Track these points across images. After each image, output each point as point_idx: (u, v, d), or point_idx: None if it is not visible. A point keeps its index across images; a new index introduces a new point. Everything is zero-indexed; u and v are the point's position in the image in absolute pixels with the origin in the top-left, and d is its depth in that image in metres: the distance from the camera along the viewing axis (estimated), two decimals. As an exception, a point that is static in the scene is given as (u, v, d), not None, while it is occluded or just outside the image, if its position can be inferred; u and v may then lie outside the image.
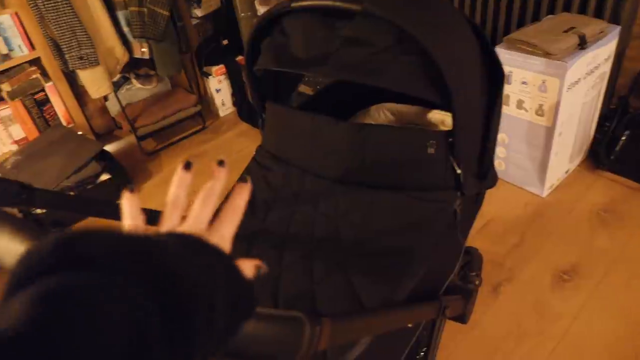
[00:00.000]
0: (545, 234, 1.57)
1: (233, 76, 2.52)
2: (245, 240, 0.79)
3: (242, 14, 2.15)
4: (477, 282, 1.18)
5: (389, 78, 0.67)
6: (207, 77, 2.52)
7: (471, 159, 0.76)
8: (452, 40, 0.70)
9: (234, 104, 2.64)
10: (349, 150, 0.78)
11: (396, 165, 0.76)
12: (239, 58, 2.50)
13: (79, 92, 2.42)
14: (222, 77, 2.53)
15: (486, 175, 0.80)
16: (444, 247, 0.76)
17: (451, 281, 0.90)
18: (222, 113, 2.64)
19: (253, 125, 2.48)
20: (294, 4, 0.71)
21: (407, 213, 0.74)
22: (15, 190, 0.61)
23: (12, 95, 2.19)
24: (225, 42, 2.52)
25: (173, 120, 2.39)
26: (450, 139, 0.73)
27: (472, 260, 1.19)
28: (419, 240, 0.71)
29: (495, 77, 0.79)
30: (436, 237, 0.72)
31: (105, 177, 2.04)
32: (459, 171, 0.74)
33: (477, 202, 0.88)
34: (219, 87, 2.55)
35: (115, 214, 0.72)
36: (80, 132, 2.25)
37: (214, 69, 2.49)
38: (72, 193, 1.96)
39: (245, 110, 2.55)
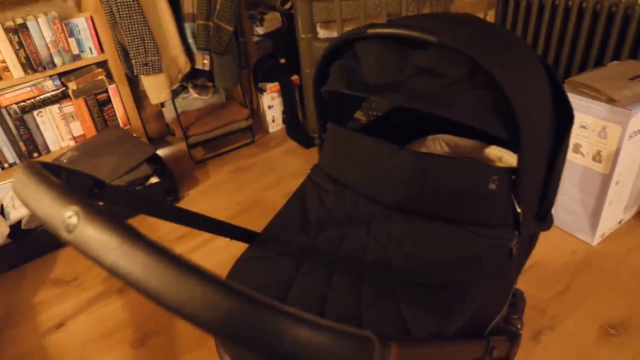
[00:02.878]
0: (593, 285, 1.51)
1: (286, 94, 2.57)
2: (294, 258, 0.80)
3: (303, 35, 2.21)
4: (519, 326, 1.14)
5: (459, 110, 0.67)
6: (262, 93, 2.59)
7: (532, 199, 0.75)
8: (525, 76, 0.70)
9: (284, 121, 2.69)
10: (407, 177, 0.79)
11: (455, 198, 0.75)
12: (294, 77, 2.56)
13: (138, 96, 2.53)
14: (276, 94, 2.59)
15: (545, 217, 0.78)
16: (496, 286, 0.74)
17: (496, 321, 0.88)
18: (271, 129, 2.69)
19: (300, 144, 2.52)
20: (370, 31, 0.73)
21: (461, 247, 0.73)
22: (89, 184, 0.64)
23: (77, 94, 2.31)
24: (282, 60, 2.58)
25: (224, 132, 2.46)
26: (513, 177, 0.73)
27: (516, 302, 1.16)
28: (472, 276, 0.70)
29: (564, 118, 0.78)
30: (489, 274, 0.71)
31: (154, 180, 2.11)
32: (519, 210, 0.72)
33: (531, 242, 0.86)
34: (271, 103, 2.61)
35: (169, 215, 0.74)
36: (135, 135, 2.34)
37: (269, 85, 2.56)
38: (123, 191, 2.03)
39: (294, 129, 2.60)
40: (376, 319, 0.67)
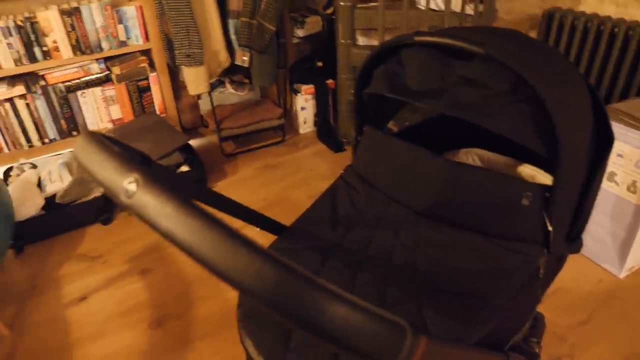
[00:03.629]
0: (617, 318, 1.47)
1: (320, 97, 2.60)
2: (321, 253, 0.81)
3: (342, 41, 2.23)
4: (537, 350, 1.13)
5: (499, 122, 0.68)
6: (296, 94, 2.62)
7: (565, 219, 0.75)
8: (568, 94, 0.70)
9: (315, 123, 2.72)
10: (440, 185, 0.79)
11: (486, 209, 0.76)
12: (329, 81, 2.59)
13: (177, 86, 2.60)
14: (309, 97, 2.62)
15: (576, 239, 0.78)
16: (520, 302, 0.74)
17: (515, 340, 0.87)
18: (302, 130, 2.72)
19: (329, 147, 2.54)
20: (417, 38, 0.75)
21: (488, 258, 0.73)
22: (138, 159, 0.67)
23: (120, 79, 2.39)
24: (319, 64, 2.61)
25: (256, 128, 2.50)
26: (547, 194, 0.73)
27: (537, 325, 1.14)
28: (497, 288, 0.70)
29: (603, 139, 0.78)
30: (515, 289, 0.71)
31: (185, 168, 2.16)
32: (550, 228, 0.72)
33: (559, 263, 0.85)
34: (304, 105, 2.64)
35: (205, 198, 0.77)
36: (170, 123, 2.40)
37: (304, 87, 2.59)
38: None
39: (325, 132, 2.62)
40: (398, 320, 0.68)
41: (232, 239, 0.33)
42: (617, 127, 1.49)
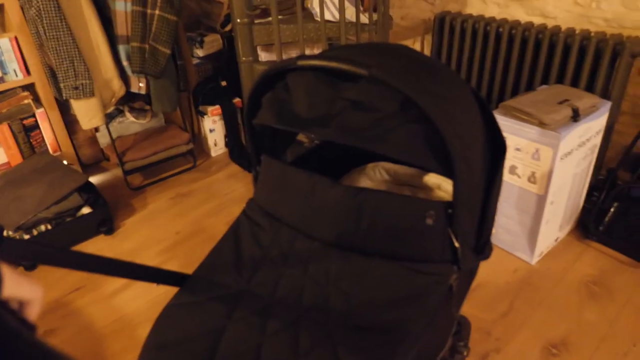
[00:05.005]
0: (534, 304, 1.54)
1: (228, 117, 2.51)
2: (227, 303, 0.74)
3: (244, 58, 2.16)
4: (465, 353, 1.13)
5: (391, 145, 0.65)
6: (202, 116, 2.51)
7: (470, 232, 0.74)
8: (456, 111, 0.69)
9: (226, 145, 2.62)
10: (344, 213, 0.76)
11: (392, 234, 0.73)
12: (236, 100, 2.51)
13: (69, 120, 2.39)
14: (217, 118, 2.52)
15: (483, 249, 0.77)
16: (438, 324, 0.72)
17: (441, 355, 0.86)
18: (213, 153, 2.61)
19: (243, 168, 2.46)
20: (300, 62, 0.70)
21: (401, 284, 0.71)
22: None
23: (0, 119, 2.15)
24: (223, 83, 2.53)
25: (163, 157, 2.36)
26: (450, 210, 0.71)
27: (461, 329, 1.15)
28: (413, 316, 0.67)
29: (496, 149, 0.78)
30: (430, 313, 0.68)
31: (86, 210, 1.98)
32: (457, 244, 0.71)
33: (471, 274, 0.85)
34: (213, 127, 2.54)
35: (80, 264, 0.66)
36: (66, 162, 2.20)
37: (210, 108, 2.49)
38: (49, 226, 1.88)
39: (237, 152, 2.54)
40: (313, 370, 0.63)
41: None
42: (511, 123, 1.55)
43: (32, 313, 0.42)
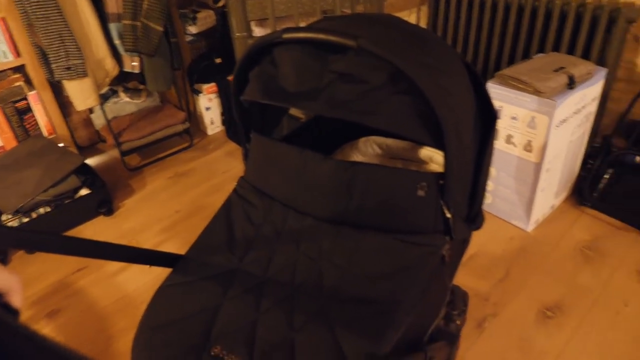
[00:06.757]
0: (530, 269, 1.56)
1: (224, 95, 2.49)
2: (220, 282, 0.75)
3: (237, 34, 2.13)
4: (458, 322, 1.15)
5: (381, 118, 0.65)
6: (198, 95, 2.49)
7: (462, 203, 0.74)
8: (446, 81, 0.68)
9: (223, 122, 2.61)
10: (335, 188, 0.76)
11: (384, 206, 0.73)
12: (231, 77, 2.49)
13: (63, 102, 2.37)
14: (213, 96, 2.51)
15: (475, 219, 0.78)
16: (431, 294, 0.73)
17: (435, 325, 0.87)
18: (210, 131, 2.61)
19: (241, 145, 2.45)
20: (285, 35, 0.69)
21: (393, 257, 0.71)
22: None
23: (-7, 103, 2.13)
24: (218, 60, 2.50)
25: (160, 137, 2.35)
26: (441, 181, 0.71)
27: (455, 299, 1.17)
28: (406, 287, 0.68)
29: (487, 119, 0.78)
30: (423, 283, 0.70)
31: (84, 191, 1.99)
32: (448, 215, 0.71)
33: (464, 244, 0.86)
34: (209, 105, 2.52)
35: (72, 249, 0.66)
36: (61, 144, 2.19)
37: (205, 86, 2.47)
38: (48, 208, 1.89)
39: (234, 130, 2.53)
40: (309, 344, 0.64)
41: None
42: (508, 92, 1.54)
43: (15, 301, 0.44)
